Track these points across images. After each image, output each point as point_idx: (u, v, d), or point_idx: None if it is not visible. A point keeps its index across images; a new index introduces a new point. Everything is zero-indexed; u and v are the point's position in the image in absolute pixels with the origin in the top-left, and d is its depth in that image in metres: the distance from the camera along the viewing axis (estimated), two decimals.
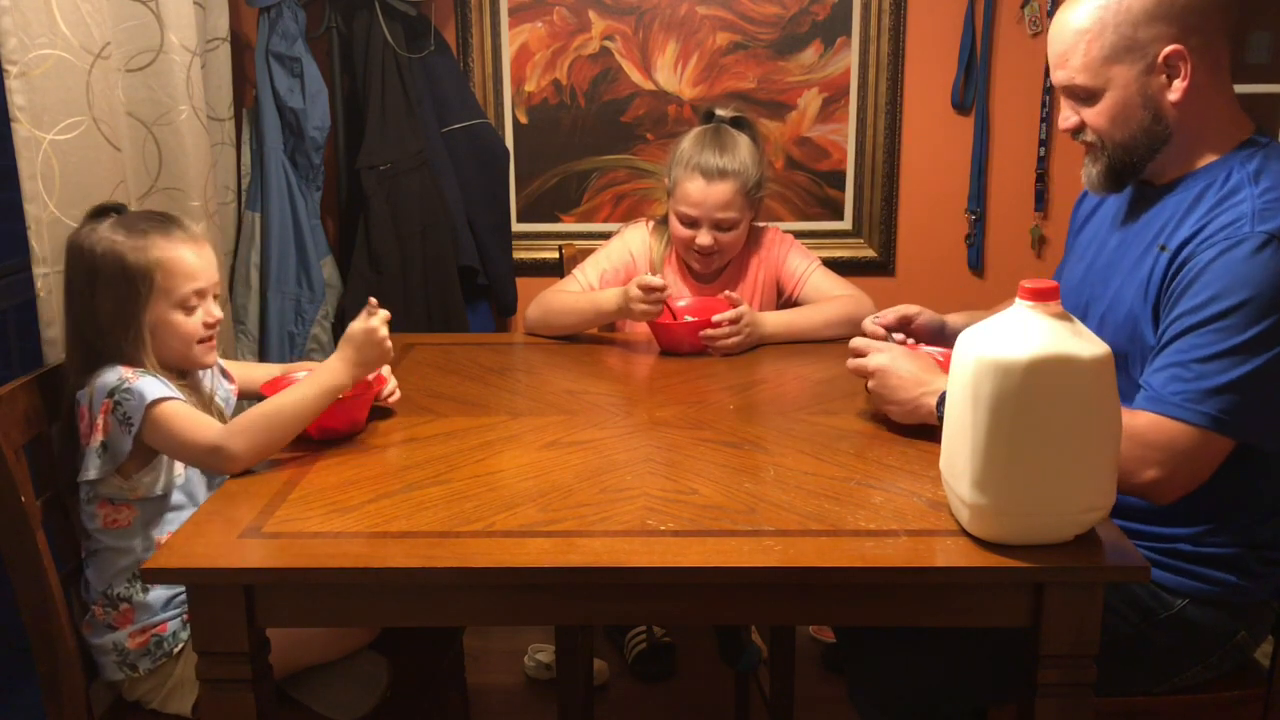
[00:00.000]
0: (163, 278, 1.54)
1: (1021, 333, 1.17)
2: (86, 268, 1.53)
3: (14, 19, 1.67)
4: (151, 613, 1.54)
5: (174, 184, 2.13)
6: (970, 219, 2.86)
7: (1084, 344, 1.17)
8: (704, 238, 2.12)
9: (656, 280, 1.96)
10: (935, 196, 2.87)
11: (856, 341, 1.65)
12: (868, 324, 1.80)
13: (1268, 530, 1.47)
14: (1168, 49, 1.44)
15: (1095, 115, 1.51)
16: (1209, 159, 1.50)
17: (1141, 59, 1.46)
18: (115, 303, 1.52)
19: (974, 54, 2.75)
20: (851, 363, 1.64)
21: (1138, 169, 1.53)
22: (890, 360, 1.57)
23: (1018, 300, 1.20)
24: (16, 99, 1.70)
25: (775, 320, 2.09)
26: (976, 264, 2.88)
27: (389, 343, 1.57)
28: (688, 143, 2.15)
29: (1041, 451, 1.17)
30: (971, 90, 2.78)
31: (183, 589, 1.41)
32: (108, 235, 1.54)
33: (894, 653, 1.52)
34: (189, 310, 1.57)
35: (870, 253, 2.89)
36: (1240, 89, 1.53)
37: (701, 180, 2.09)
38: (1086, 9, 1.48)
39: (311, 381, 1.52)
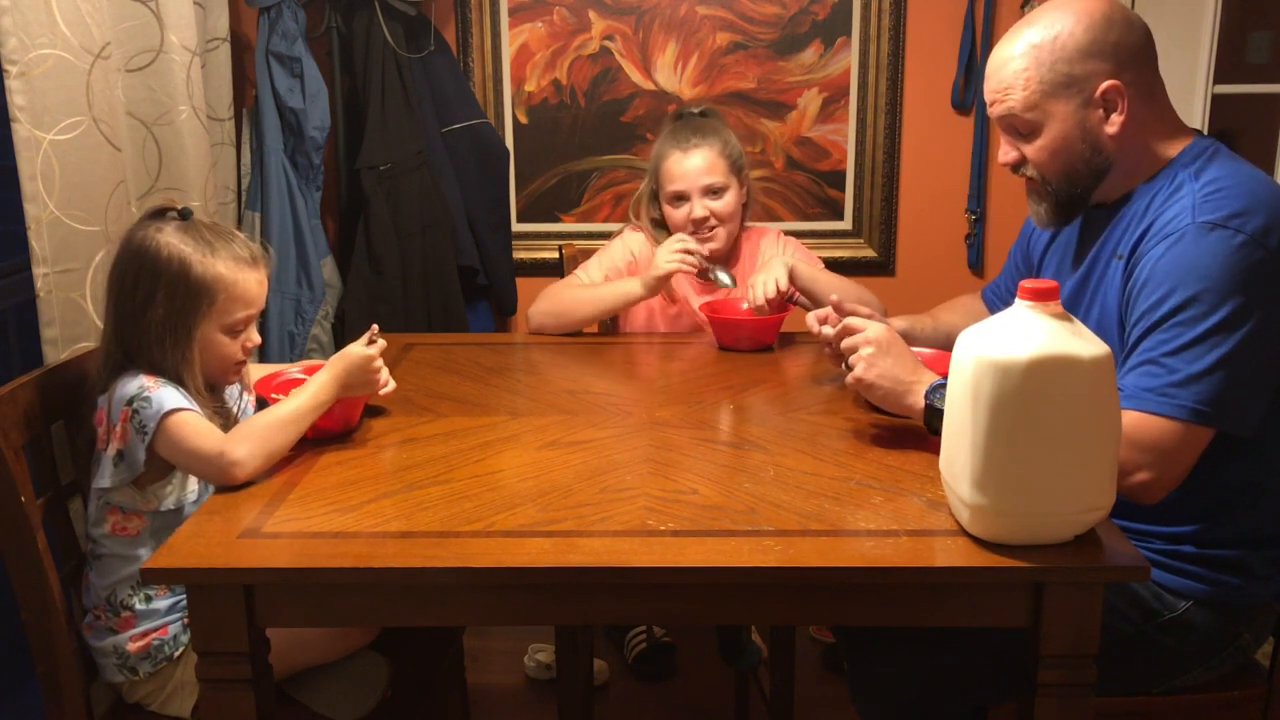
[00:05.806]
0: (224, 300, 1.51)
1: (1021, 333, 1.17)
2: (148, 269, 1.49)
3: (14, 19, 1.68)
4: (153, 619, 1.54)
5: (174, 184, 2.13)
6: (970, 219, 2.85)
7: (1084, 344, 1.17)
8: (698, 209, 2.14)
9: (693, 244, 2.05)
10: (935, 196, 2.87)
11: (851, 320, 1.58)
12: (811, 319, 1.72)
13: (1270, 526, 1.47)
14: (1104, 84, 1.47)
15: (1035, 150, 1.53)
16: (1154, 170, 1.51)
17: (1079, 94, 1.48)
18: (169, 311, 1.49)
19: (974, 54, 2.75)
20: (844, 342, 1.55)
21: (1083, 199, 1.55)
22: (890, 336, 1.53)
23: (1017, 300, 1.20)
24: (16, 99, 1.70)
25: (803, 265, 2.11)
26: (976, 264, 2.88)
27: (381, 375, 1.59)
28: (661, 139, 2.23)
29: (1041, 451, 1.17)
30: (971, 90, 2.78)
31: (184, 597, 1.41)
32: (174, 241, 1.49)
33: (894, 653, 1.52)
34: (234, 334, 1.55)
35: (870, 253, 2.89)
36: (1240, 89, 1.53)
37: (679, 153, 2.15)
38: (1023, 45, 1.49)
39: (303, 394, 1.52)
